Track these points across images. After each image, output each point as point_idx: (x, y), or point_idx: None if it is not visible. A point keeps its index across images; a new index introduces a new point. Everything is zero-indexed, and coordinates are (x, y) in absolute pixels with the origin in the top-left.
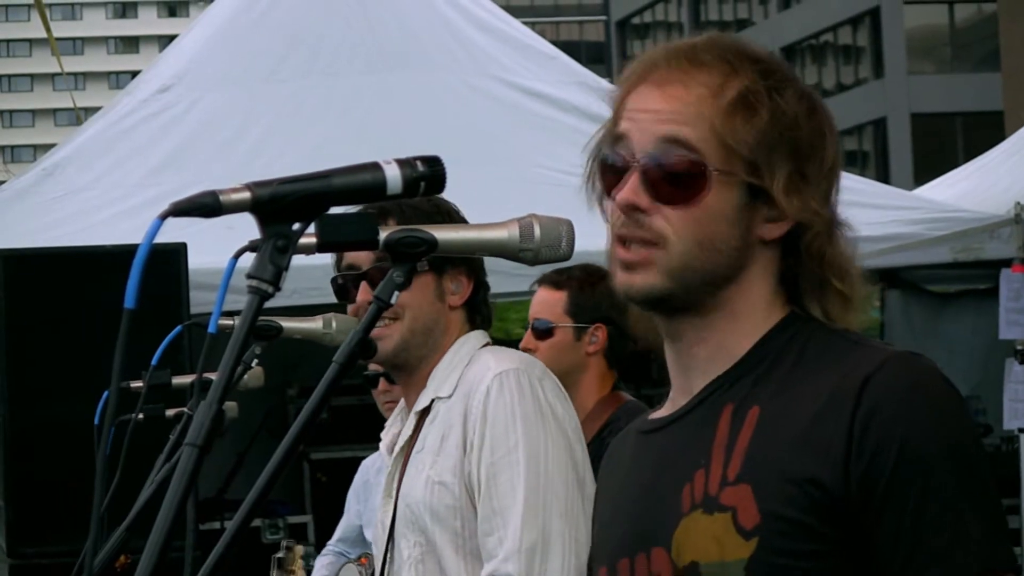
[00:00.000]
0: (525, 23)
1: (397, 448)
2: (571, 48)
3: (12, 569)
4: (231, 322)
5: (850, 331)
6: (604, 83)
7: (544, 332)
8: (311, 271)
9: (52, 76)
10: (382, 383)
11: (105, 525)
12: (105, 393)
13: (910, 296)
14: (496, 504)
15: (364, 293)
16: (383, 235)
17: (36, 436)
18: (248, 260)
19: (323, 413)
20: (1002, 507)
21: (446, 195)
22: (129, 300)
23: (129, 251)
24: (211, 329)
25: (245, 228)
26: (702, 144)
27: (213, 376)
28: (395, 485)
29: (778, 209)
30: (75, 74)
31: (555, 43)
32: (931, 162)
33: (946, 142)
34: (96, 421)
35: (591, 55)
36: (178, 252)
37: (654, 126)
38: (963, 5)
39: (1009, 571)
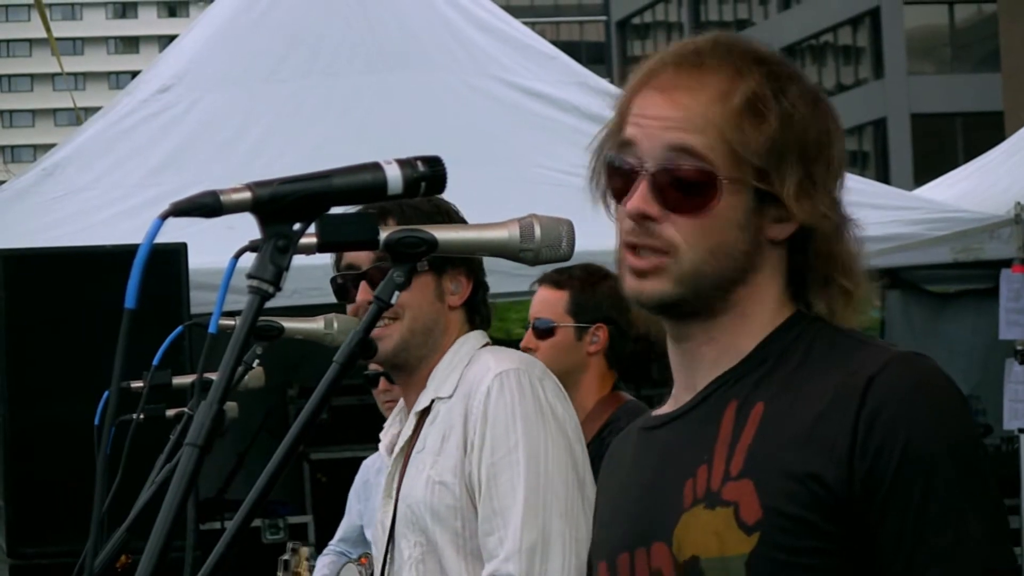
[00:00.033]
0: (525, 23)
1: (397, 448)
2: (571, 48)
3: (12, 569)
4: (232, 322)
5: (855, 331)
6: (604, 83)
7: (545, 331)
8: (311, 271)
9: (52, 76)
10: (382, 383)
11: (105, 525)
12: (105, 393)
13: (910, 296)
14: (496, 504)
15: (364, 293)
16: (383, 235)
17: (36, 436)
18: (248, 260)
19: (323, 413)
20: (1004, 507)
21: (446, 195)
22: (129, 300)
23: (129, 251)
24: (211, 329)
25: (245, 228)
26: (711, 152)
27: (213, 376)
28: (395, 485)
29: (786, 209)
30: (75, 74)
31: (555, 43)
32: (931, 162)
33: (946, 142)
34: (96, 421)
35: (591, 55)
36: (178, 252)
37: (662, 133)
38: (963, 5)
39: (1010, 571)
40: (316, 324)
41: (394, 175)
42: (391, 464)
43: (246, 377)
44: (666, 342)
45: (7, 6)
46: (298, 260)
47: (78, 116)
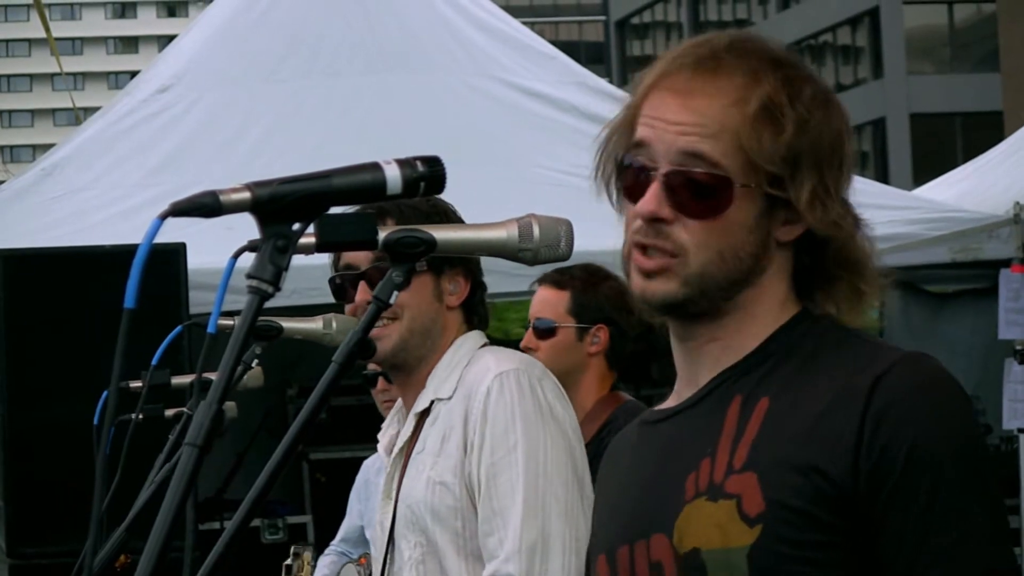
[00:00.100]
0: (524, 23)
1: (396, 449)
2: (570, 48)
3: (12, 569)
4: (231, 322)
5: (861, 331)
6: (603, 83)
7: (546, 332)
8: (311, 271)
9: (51, 76)
10: (381, 382)
11: (105, 525)
12: (105, 393)
13: (909, 296)
14: (496, 504)
15: (363, 293)
16: (382, 235)
17: (36, 436)
18: (248, 260)
19: (322, 413)
20: (1005, 508)
21: (446, 195)
22: (129, 300)
23: (129, 251)
24: (211, 329)
25: (245, 228)
26: (725, 159)
27: (213, 376)
28: (395, 486)
29: (796, 212)
30: (74, 74)
31: (554, 43)
32: (930, 162)
33: (945, 142)
34: (96, 421)
35: (590, 55)
36: (178, 252)
37: (676, 138)
38: (963, 5)
39: (1010, 571)
40: (315, 324)
41: (393, 175)
42: (390, 465)
43: (245, 377)
44: (668, 340)
45: (6, 6)
46: (297, 260)
47: (77, 116)
